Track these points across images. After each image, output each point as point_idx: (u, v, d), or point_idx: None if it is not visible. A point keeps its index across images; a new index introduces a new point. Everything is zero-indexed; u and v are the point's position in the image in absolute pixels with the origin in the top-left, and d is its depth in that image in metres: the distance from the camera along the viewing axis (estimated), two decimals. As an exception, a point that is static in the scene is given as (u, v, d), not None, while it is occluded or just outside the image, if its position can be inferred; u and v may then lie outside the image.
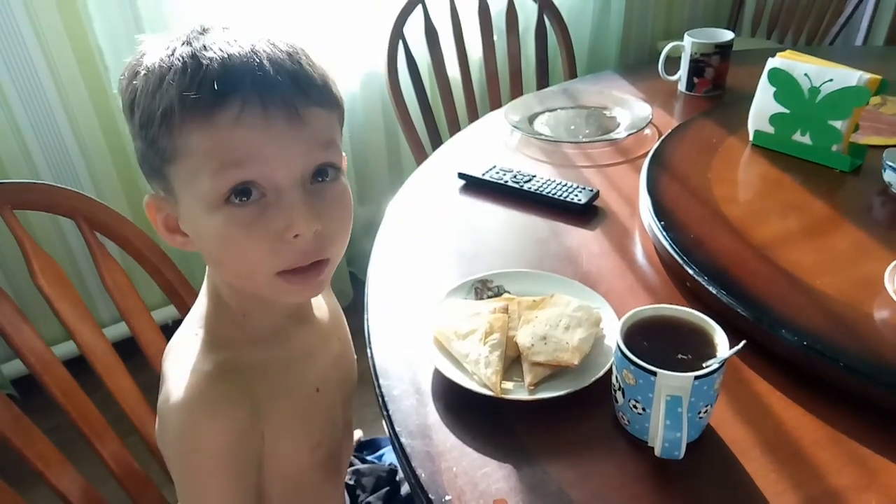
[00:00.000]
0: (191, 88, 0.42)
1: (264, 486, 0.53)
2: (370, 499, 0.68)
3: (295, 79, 0.44)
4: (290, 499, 0.57)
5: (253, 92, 0.43)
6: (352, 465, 0.73)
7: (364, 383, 0.69)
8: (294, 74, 0.45)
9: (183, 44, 0.44)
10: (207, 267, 0.54)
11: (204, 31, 0.46)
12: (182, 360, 0.51)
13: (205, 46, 0.44)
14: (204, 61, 0.43)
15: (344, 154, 0.52)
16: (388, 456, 0.79)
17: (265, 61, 0.43)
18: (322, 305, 0.62)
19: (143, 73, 0.45)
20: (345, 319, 0.65)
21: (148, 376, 0.76)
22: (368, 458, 0.78)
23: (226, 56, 0.43)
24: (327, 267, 0.50)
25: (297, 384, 0.55)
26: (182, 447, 0.49)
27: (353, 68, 1.59)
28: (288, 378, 0.54)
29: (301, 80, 0.45)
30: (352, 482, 0.71)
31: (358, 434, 0.85)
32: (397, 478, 0.72)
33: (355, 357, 0.66)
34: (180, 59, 0.43)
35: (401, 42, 1.30)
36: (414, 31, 1.33)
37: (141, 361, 0.76)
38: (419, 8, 1.32)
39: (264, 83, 0.43)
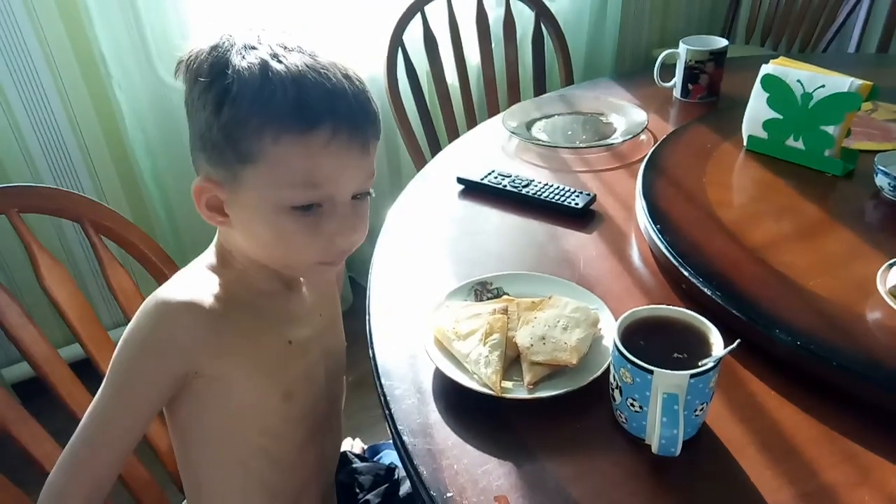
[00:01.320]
0: (294, 111, 0.49)
1: (239, 429, 0.59)
2: (369, 496, 0.69)
3: (368, 113, 0.52)
4: (273, 452, 0.61)
5: (342, 122, 0.50)
6: (350, 464, 0.74)
7: (364, 387, 0.70)
8: (368, 109, 0.52)
9: (272, 57, 0.49)
10: (220, 230, 0.59)
11: (286, 48, 0.51)
12: (178, 276, 0.58)
13: (300, 70, 0.49)
14: (306, 85, 0.49)
15: None
16: (387, 459, 0.80)
17: (350, 95, 0.50)
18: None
19: (233, 75, 0.49)
20: (338, 304, 0.71)
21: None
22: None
23: (324, 84, 0.50)
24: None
25: (267, 332, 0.59)
26: (130, 326, 0.54)
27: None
28: (258, 324, 0.59)
29: (370, 114, 0.53)
30: (349, 481, 0.72)
31: (356, 444, 0.86)
32: (395, 476, 0.72)
33: (344, 338, 0.71)
34: (278, 76, 0.49)
35: (400, 49, 1.32)
36: (413, 38, 1.35)
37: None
38: (418, 16, 1.34)
39: (351, 115, 0.50)
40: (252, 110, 0.49)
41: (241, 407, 0.58)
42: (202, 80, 0.51)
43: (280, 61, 0.49)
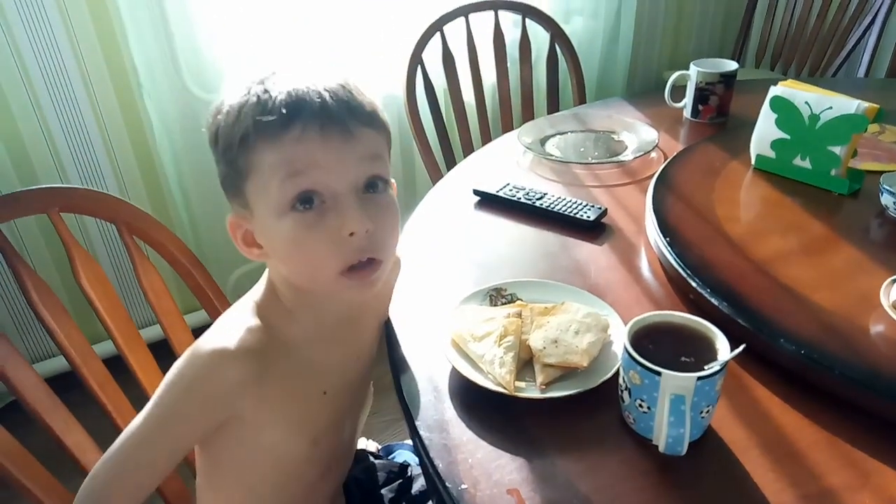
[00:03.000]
0: (263, 114, 0.52)
1: (261, 464, 0.61)
2: (383, 491, 0.71)
3: (347, 104, 0.54)
4: (289, 485, 0.64)
5: (313, 115, 0.52)
6: (365, 460, 0.76)
7: (378, 391, 0.73)
8: (346, 101, 0.54)
9: (257, 83, 0.54)
10: (269, 267, 0.62)
11: (276, 73, 0.55)
12: (228, 316, 0.61)
13: (275, 83, 0.53)
14: (274, 94, 0.52)
15: (393, 181, 0.60)
16: (400, 458, 0.82)
17: (323, 91, 0.53)
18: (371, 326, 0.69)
19: (225, 109, 0.55)
20: (374, 352, 0.71)
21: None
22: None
23: (291, 89, 0.52)
24: (379, 268, 0.57)
25: (306, 382, 0.61)
26: (173, 370, 0.57)
27: (373, 92, 1.66)
28: (300, 372, 0.60)
29: (352, 104, 0.54)
30: (363, 476, 0.74)
31: (371, 444, 0.88)
32: (409, 473, 0.74)
33: (372, 387, 0.72)
34: (255, 94, 0.53)
35: (419, 67, 1.37)
36: (432, 57, 1.39)
37: (169, 364, 0.80)
38: (437, 35, 1.39)
39: (323, 108, 0.52)
40: (234, 129, 0.53)
41: (269, 447, 0.61)
42: (210, 130, 0.56)
43: (262, 83, 0.53)
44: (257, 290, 0.62)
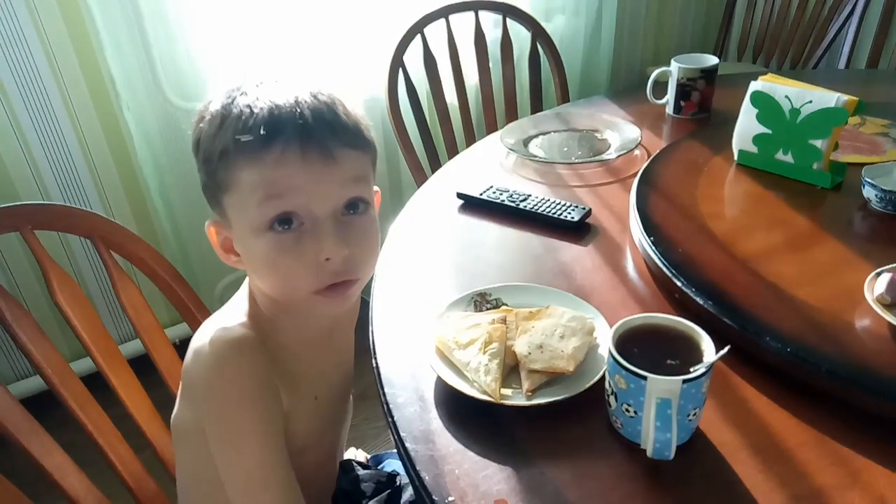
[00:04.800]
0: (243, 132, 0.51)
1: None
2: (371, 503, 0.70)
3: (330, 125, 0.52)
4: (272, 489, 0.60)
5: (294, 136, 0.51)
6: (352, 472, 0.75)
7: (368, 399, 0.72)
8: (330, 121, 0.52)
9: (241, 94, 0.53)
10: (248, 277, 0.61)
11: (260, 84, 0.54)
12: (216, 319, 0.59)
13: (258, 97, 0.52)
14: (255, 110, 0.51)
15: (377, 188, 0.59)
16: (389, 468, 0.81)
17: (306, 110, 0.51)
18: (348, 334, 0.69)
19: (207, 117, 0.54)
20: (352, 359, 0.72)
21: (160, 393, 0.78)
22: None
23: (273, 106, 0.51)
24: (355, 286, 0.57)
25: (301, 389, 0.60)
26: (210, 382, 0.55)
27: (355, 95, 1.65)
28: (294, 379, 0.59)
29: (335, 125, 0.52)
30: (350, 488, 0.73)
31: (360, 453, 0.87)
32: (397, 483, 0.74)
33: (352, 376, 0.72)
34: (237, 107, 0.52)
35: (401, 70, 1.36)
36: (413, 59, 1.38)
37: (152, 380, 0.79)
38: (418, 37, 1.38)
39: (304, 129, 0.51)
40: (215, 142, 0.53)
41: None
42: (193, 136, 0.56)
43: (245, 94, 0.53)
44: (239, 299, 0.61)
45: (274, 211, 0.52)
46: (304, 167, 0.51)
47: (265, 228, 0.53)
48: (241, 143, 0.51)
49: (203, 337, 0.57)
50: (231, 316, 0.59)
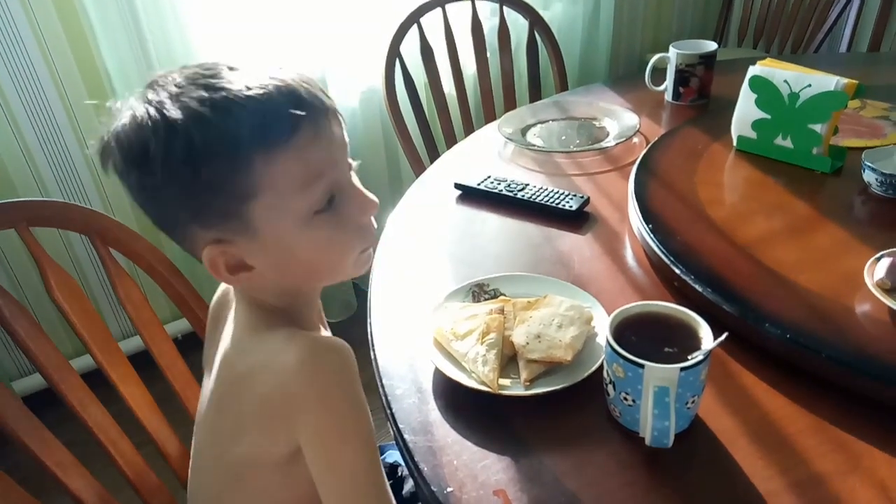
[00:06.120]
0: (264, 125, 0.46)
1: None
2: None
3: (323, 95, 0.51)
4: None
5: (313, 112, 0.49)
6: None
7: (369, 391, 0.71)
8: (320, 92, 0.51)
9: (217, 87, 0.46)
10: (237, 305, 0.57)
11: (231, 69, 0.48)
12: (259, 344, 0.54)
13: (249, 83, 0.46)
14: (269, 96, 0.46)
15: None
16: (391, 459, 0.81)
17: (304, 85, 0.49)
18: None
19: (184, 127, 0.45)
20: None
21: (160, 388, 0.79)
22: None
23: (281, 85, 0.47)
24: None
25: None
26: (325, 391, 0.50)
27: (353, 86, 1.64)
28: None
29: (325, 95, 0.52)
30: None
31: None
32: (398, 474, 0.74)
33: None
34: (235, 103, 0.45)
35: (397, 60, 1.35)
36: (410, 49, 1.37)
37: (152, 374, 0.79)
38: (414, 27, 1.37)
39: (318, 102, 0.50)
40: (224, 145, 0.46)
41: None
42: (148, 154, 0.46)
43: (216, 89, 0.46)
44: (248, 318, 0.56)
45: (320, 192, 0.50)
46: (328, 141, 0.50)
47: (311, 214, 0.50)
48: (271, 138, 0.46)
49: (281, 355, 0.51)
50: (280, 331, 0.54)
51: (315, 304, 0.62)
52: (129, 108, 0.48)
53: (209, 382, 0.61)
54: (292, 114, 0.47)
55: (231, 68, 0.48)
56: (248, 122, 0.46)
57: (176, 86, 0.47)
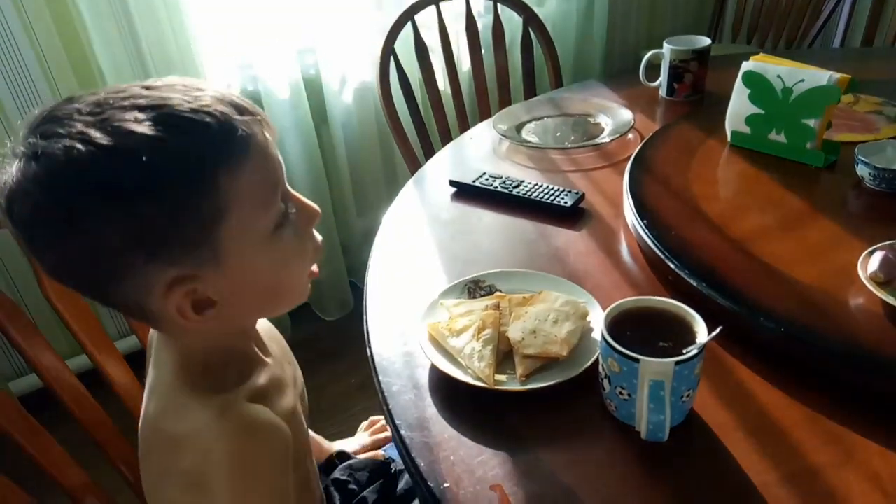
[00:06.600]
0: (224, 140, 0.43)
1: None
2: (365, 493, 0.70)
3: (256, 106, 0.49)
4: None
5: (260, 122, 0.48)
6: (346, 459, 0.75)
7: (367, 389, 0.72)
8: (252, 103, 0.49)
9: (151, 109, 0.42)
10: (163, 350, 0.53)
11: (149, 88, 0.44)
12: (188, 412, 0.49)
13: (186, 99, 0.43)
14: (215, 108, 0.43)
15: None
16: (391, 453, 0.81)
17: (241, 98, 0.47)
18: (274, 336, 0.64)
19: (127, 158, 0.40)
20: (284, 341, 0.66)
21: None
22: (361, 455, 0.80)
23: (223, 100, 0.45)
24: None
25: (282, 412, 0.55)
26: (232, 475, 0.47)
27: (347, 83, 1.64)
28: (277, 406, 0.55)
29: (256, 106, 0.50)
30: (345, 477, 0.72)
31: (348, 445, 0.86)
32: (393, 469, 0.74)
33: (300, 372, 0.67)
34: (187, 115, 0.42)
35: (392, 58, 1.34)
36: (404, 47, 1.37)
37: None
38: (409, 24, 1.37)
39: (257, 113, 0.48)
40: (193, 170, 0.42)
41: None
42: (77, 199, 0.40)
43: (162, 107, 0.42)
44: (175, 371, 0.51)
45: (278, 205, 0.49)
46: (272, 147, 0.49)
47: (274, 228, 0.48)
48: (227, 150, 0.43)
49: (208, 435, 0.48)
50: (212, 400, 0.49)
51: (253, 336, 0.58)
52: (20, 156, 0.41)
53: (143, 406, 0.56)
54: (244, 124, 0.44)
55: (148, 87, 0.44)
56: (207, 138, 0.42)
57: (90, 114, 0.41)
